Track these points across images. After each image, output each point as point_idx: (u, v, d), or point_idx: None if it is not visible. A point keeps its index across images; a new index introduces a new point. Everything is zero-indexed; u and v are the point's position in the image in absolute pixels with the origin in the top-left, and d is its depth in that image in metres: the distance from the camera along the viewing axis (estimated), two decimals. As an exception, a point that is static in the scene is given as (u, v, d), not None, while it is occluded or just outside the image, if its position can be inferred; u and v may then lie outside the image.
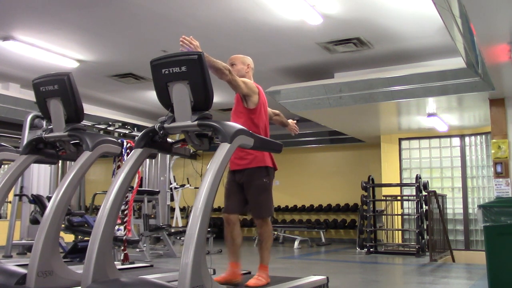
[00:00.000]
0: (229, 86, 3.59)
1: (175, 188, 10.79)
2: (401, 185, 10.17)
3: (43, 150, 3.61)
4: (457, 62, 6.71)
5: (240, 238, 3.71)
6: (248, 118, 3.67)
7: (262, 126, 3.73)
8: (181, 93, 2.85)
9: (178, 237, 8.68)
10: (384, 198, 9.90)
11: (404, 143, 10.74)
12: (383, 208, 9.84)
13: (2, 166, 4.29)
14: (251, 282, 3.52)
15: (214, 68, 3.34)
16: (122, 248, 4.23)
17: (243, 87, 3.62)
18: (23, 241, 7.55)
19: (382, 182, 10.29)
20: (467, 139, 10.12)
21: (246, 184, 3.68)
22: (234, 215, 3.70)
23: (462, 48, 5.74)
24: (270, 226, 3.76)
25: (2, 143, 4.18)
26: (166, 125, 2.91)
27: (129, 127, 9.62)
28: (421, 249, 8.24)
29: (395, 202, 9.79)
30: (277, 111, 4.34)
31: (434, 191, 8.17)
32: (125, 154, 3.90)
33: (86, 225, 5.90)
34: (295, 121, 4.45)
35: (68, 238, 7.26)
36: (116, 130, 9.50)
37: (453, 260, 8.32)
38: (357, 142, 11.76)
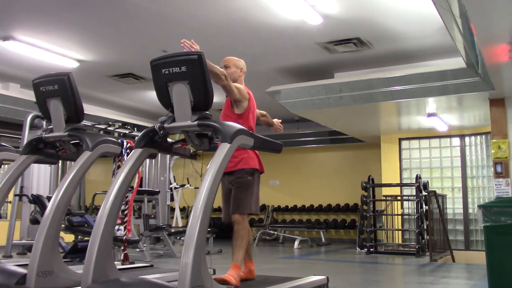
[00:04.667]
0: (223, 90, 3.65)
1: (175, 188, 10.78)
2: (401, 185, 10.17)
3: (43, 150, 3.61)
4: (457, 62, 6.71)
5: (251, 236, 3.78)
6: (235, 122, 3.66)
7: None
8: (181, 93, 2.85)
9: (178, 237, 8.68)
10: (384, 198, 9.90)
11: (404, 143, 10.74)
12: (383, 208, 9.83)
13: (2, 166, 4.29)
14: (222, 276, 3.34)
15: (211, 73, 3.36)
16: (122, 248, 4.24)
17: (236, 93, 3.68)
18: (23, 241, 7.55)
19: (382, 182, 10.29)
20: (467, 139, 10.12)
21: (232, 184, 3.72)
22: None
23: (462, 48, 5.74)
24: (247, 225, 3.71)
25: (2, 143, 4.19)
26: (166, 125, 2.91)
27: (129, 127, 9.61)
28: (421, 249, 8.24)
29: (395, 202, 9.79)
30: (264, 112, 4.31)
31: (434, 191, 8.17)
32: (125, 154, 3.91)
33: (86, 225, 5.90)
34: (280, 121, 4.41)
35: (68, 238, 7.25)
36: (116, 130, 9.49)
37: (453, 260, 8.31)
38: (357, 142, 11.76)
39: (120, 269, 3.44)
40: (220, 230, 9.37)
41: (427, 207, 8.18)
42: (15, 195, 7.52)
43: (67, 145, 3.56)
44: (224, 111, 3.87)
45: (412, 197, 9.27)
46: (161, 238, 8.37)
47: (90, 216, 6.24)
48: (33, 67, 7.82)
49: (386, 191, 10.11)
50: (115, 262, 3.32)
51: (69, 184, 3.14)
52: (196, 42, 3.34)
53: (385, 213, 9.73)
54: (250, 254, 3.78)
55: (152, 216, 8.82)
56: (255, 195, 3.73)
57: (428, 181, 8.88)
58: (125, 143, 3.96)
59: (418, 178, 8.80)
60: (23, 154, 3.57)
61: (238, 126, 2.87)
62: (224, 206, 3.82)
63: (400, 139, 10.73)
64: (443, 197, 9.06)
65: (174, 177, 11.02)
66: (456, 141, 10.25)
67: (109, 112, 10.88)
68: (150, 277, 3.46)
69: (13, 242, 7.24)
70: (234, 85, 3.69)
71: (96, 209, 10.08)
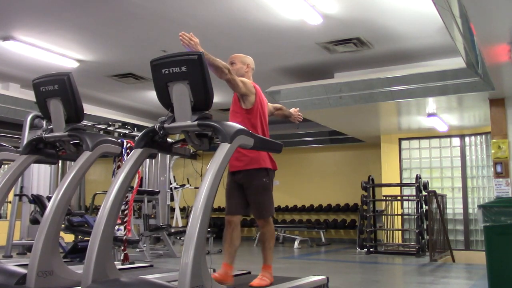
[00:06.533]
0: (228, 85, 3.59)
1: (175, 188, 10.78)
2: (401, 185, 10.17)
3: (43, 150, 3.61)
4: (457, 62, 6.71)
5: (239, 241, 3.68)
6: (245, 118, 3.64)
7: (259, 126, 3.68)
8: (181, 93, 2.85)
9: (178, 237, 8.68)
10: (384, 198, 9.90)
11: (404, 143, 10.74)
12: (383, 208, 9.84)
13: (2, 166, 4.29)
14: (255, 282, 3.52)
15: (213, 67, 3.34)
16: (122, 248, 4.24)
17: (241, 86, 3.60)
18: (23, 241, 7.55)
19: (382, 182, 10.29)
20: (467, 139, 10.12)
21: (245, 185, 3.67)
22: (237, 217, 3.68)
23: (462, 48, 5.74)
24: (272, 226, 3.76)
25: (2, 143, 4.18)
26: (166, 125, 2.91)
27: (129, 127, 9.62)
28: (421, 249, 8.24)
29: (395, 202, 9.79)
30: (278, 105, 4.33)
31: (434, 191, 8.17)
32: (125, 154, 3.90)
33: (86, 225, 5.90)
34: (297, 109, 4.47)
35: (68, 238, 7.26)
36: (116, 130, 9.49)
37: (453, 260, 8.32)
38: (357, 142, 11.76)
39: (120, 269, 3.45)
40: (220, 230, 9.37)
41: (427, 207, 8.18)
42: (15, 195, 7.52)
43: (67, 145, 3.57)
44: (232, 108, 3.78)
45: (412, 197, 9.27)
46: (161, 238, 8.37)
47: (90, 216, 6.23)
48: (33, 67, 7.82)
49: (386, 191, 10.11)
50: (115, 262, 3.32)
51: (69, 184, 3.15)
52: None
53: (385, 213, 9.73)
54: (233, 258, 3.64)
55: (152, 216, 8.82)
56: (271, 196, 3.73)
57: (428, 181, 8.88)
58: (125, 143, 3.96)
59: (418, 178, 8.80)
60: (23, 154, 3.58)
61: (238, 126, 2.87)
62: (230, 201, 3.71)
63: (400, 139, 10.73)
64: (443, 197, 9.06)
65: (174, 177, 11.02)
66: (456, 141, 10.26)
67: (109, 112, 10.88)
68: (150, 277, 3.46)
69: (13, 242, 7.24)
70: (239, 79, 3.61)
71: (96, 209, 10.07)
